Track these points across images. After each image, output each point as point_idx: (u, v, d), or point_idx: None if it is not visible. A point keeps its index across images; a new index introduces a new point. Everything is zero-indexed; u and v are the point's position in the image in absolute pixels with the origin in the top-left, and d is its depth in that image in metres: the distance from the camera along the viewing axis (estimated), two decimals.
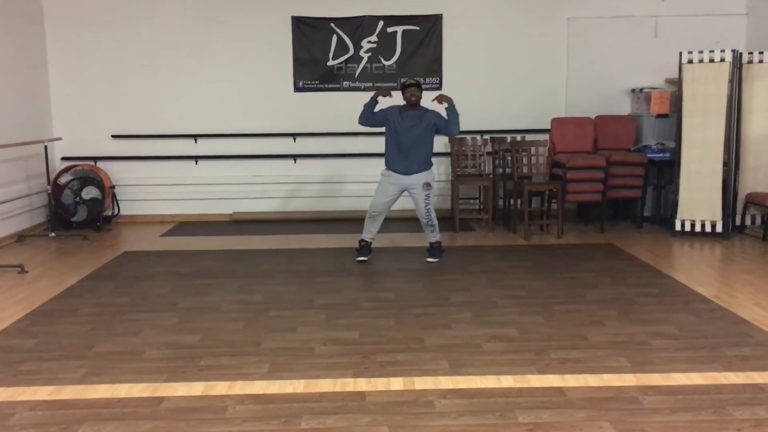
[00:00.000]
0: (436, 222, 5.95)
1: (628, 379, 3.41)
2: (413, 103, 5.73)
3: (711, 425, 2.93)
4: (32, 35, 7.59)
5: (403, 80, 6.00)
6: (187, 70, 7.92)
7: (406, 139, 5.72)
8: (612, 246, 6.49)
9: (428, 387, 3.34)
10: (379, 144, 8.03)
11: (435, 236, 5.99)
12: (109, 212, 7.91)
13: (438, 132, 5.87)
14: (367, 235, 5.99)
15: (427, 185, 5.83)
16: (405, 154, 5.75)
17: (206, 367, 3.63)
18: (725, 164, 6.72)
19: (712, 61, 6.66)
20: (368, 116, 5.83)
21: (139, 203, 8.04)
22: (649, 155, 7.23)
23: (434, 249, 6.00)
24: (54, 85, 7.91)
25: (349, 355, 3.79)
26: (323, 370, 3.56)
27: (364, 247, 5.98)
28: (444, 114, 5.78)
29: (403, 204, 8.04)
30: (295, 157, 8.04)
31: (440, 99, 5.82)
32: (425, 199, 5.83)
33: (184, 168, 8.04)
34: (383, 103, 5.92)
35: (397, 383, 3.39)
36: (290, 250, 6.49)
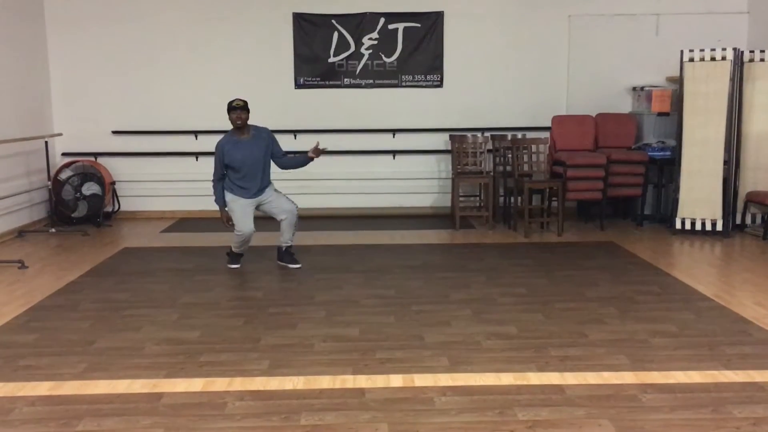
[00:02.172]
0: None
1: (627, 377, 3.41)
2: (239, 126, 5.39)
3: (710, 423, 2.94)
4: (33, 31, 7.59)
5: (230, 101, 5.45)
6: (187, 67, 7.92)
7: (250, 165, 5.43)
8: (612, 244, 6.49)
9: (428, 384, 3.34)
10: (380, 141, 8.09)
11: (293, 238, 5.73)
12: (109, 208, 7.91)
13: (272, 156, 5.63)
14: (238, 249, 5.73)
15: (274, 191, 5.65)
16: (251, 178, 5.47)
17: (206, 363, 3.63)
18: (726, 163, 6.72)
19: (713, 59, 6.66)
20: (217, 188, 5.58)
21: (140, 199, 8.05)
22: (649, 153, 7.22)
23: (290, 253, 5.74)
24: (55, 80, 7.91)
25: (348, 351, 3.79)
26: (323, 367, 3.56)
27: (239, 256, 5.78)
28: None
29: (403, 203, 8.09)
30: (295, 153, 8.02)
31: (315, 153, 5.58)
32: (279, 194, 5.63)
33: (184, 164, 8.04)
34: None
35: (396, 380, 3.39)
36: None
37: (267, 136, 5.57)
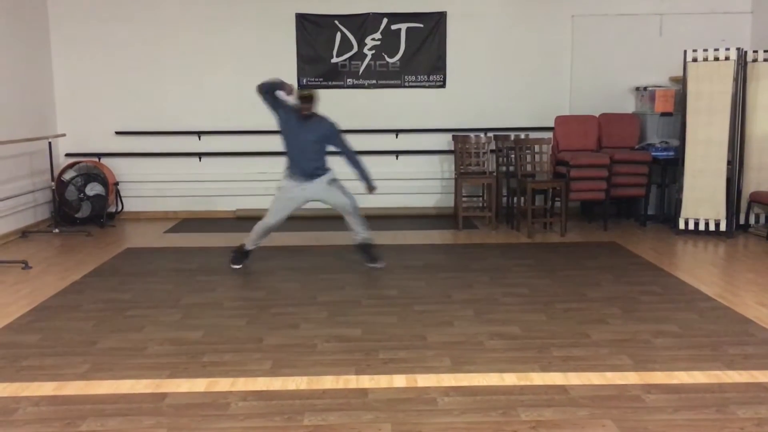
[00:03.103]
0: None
1: (630, 378, 3.40)
2: (306, 117, 5.32)
3: (714, 424, 2.93)
4: (36, 32, 7.60)
5: (300, 89, 5.53)
6: (190, 67, 7.93)
7: (294, 143, 5.37)
8: (615, 244, 6.48)
9: (431, 384, 3.34)
10: (383, 142, 8.08)
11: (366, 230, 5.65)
12: (112, 208, 7.93)
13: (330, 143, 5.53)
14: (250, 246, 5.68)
15: (333, 180, 5.52)
16: (297, 158, 5.41)
17: (209, 364, 3.63)
18: (729, 163, 6.70)
19: (716, 59, 6.65)
20: (270, 92, 5.40)
21: (143, 200, 8.06)
22: (653, 153, 7.21)
23: (367, 249, 5.67)
24: (58, 81, 7.93)
25: (351, 352, 3.79)
26: (326, 367, 3.56)
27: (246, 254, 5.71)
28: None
29: (406, 203, 8.08)
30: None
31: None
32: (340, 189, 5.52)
33: (187, 165, 8.05)
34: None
35: (399, 380, 3.39)
36: (293, 246, 6.49)
37: (328, 127, 5.42)
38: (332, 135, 5.44)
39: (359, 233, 5.65)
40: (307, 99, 5.30)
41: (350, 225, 5.64)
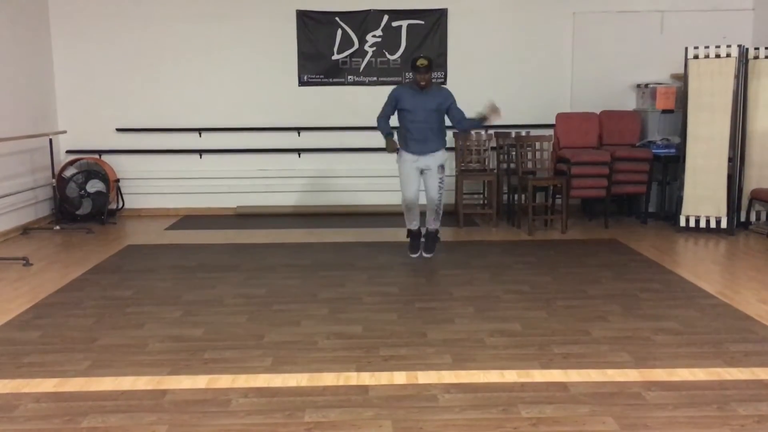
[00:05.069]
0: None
1: (631, 375, 3.40)
2: (423, 86, 5.51)
3: (714, 421, 2.93)
4: (37, 28, 7.60)
5: (414, 58, 5.61)
6: (191, 64, 7.92)
7: (420, 112, 5.53)
8: (616, 241, 6.48)
9: (431, 381, 3.35)
10: (383, 138, 8.05)
11: (437, 223, 5.86)
12: (113, 205, 7.93)
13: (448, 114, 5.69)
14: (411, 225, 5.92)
15: (442, 168, 5.73)
16: (419, 128, 5.56)
17: (210, 360, 3.64)
18: (730, 160, 6.70)
19: (718, 56, 6.64)
20: (381, 122, 5.68)
21: (144, 197, 8.06)
22: (654, 151, 7.21)
23: (431, 240, 5.89)
24: (59, 78, 7.92)
25: (352, 349, 3.79)
26: (326, 364, 3.57)
27: (414, 236, 5.93)
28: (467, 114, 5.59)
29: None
30: (299, 151, 8.04)
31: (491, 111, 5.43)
32: (439, 182, 5.72)
33: (188, 162, 8.05)
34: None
35: (400, 377, 3.40)
36: (294, 244, 6.49)
37: (446, 94, 5.55)
38: (449, 100, 5.53)
39: (431, 225, 5.82)
40: (424, 69, 5.30)
41: (427, 215, 5.81)
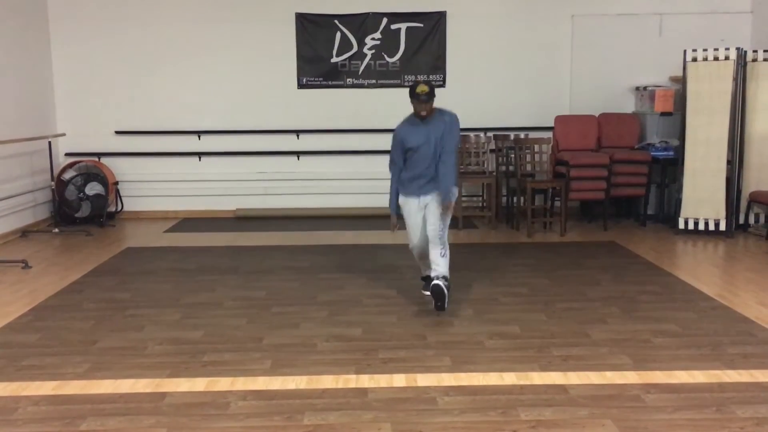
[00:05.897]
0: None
1: (630, 377, 3.40)
2: (423, 117, 4.47)
3: (713, 423, 2.93)
4: (36, 31, 7.60)
5: (413, 84, 4.50)
6: (190, 67, 7.93)
7: (424, 145, 4.48)
8: (615, 244, 6.48)
9: (431, 384, 3.34)
10: (383, 141, 8.07)
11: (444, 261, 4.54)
12: (112, 208, 7.93)
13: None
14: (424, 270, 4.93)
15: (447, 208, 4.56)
16: (421, 161, 4.53)
17: (209, 363, 3.63)
18: (729, 162, 6.71)
19: (716, 59, 6.65)
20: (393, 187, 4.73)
21: (143, 199, 8.06)
22: (652, 153, 7.21)
23: (439, 295, 4.46)
24: (58, 81, 7.93)
25: (351, 351, 3.79)
26: (326, 367, 3.57)
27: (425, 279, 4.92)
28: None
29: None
30: (298, 153, 8.04)
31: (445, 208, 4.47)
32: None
33: (187, 164, 8.05)
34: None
35: (399, 380, 3.39)
36: (293, 246, 6.49)
37: (448, 120, 4.47)
38: (452, 125, 4.48)
39: (437, 266, 4.50)
40: (425, 96, 4.36)
41: (430, 250, 4.57)
